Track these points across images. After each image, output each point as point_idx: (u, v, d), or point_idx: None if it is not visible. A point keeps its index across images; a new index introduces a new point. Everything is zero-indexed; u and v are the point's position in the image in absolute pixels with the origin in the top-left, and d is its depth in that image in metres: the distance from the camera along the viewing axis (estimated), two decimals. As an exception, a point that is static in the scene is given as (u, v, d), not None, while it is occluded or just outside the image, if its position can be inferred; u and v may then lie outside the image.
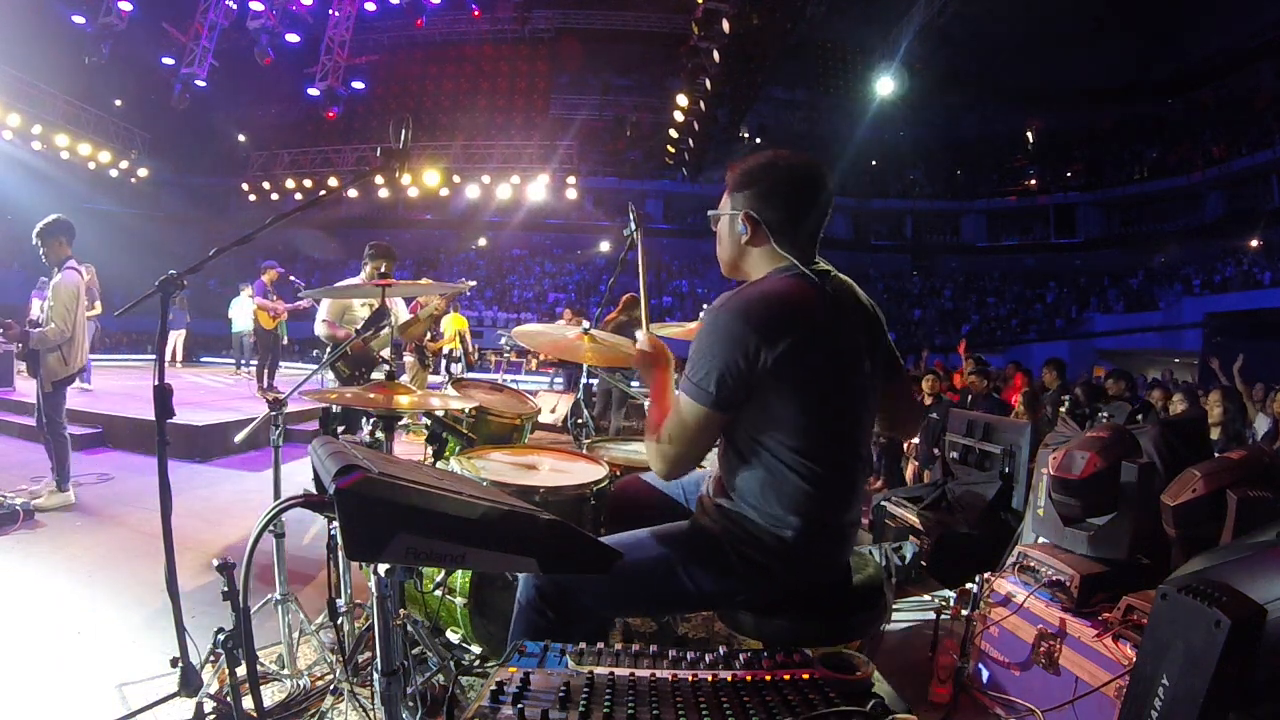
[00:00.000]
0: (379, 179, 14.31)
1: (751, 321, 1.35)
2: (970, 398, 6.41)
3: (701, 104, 16.38)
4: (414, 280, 4.55)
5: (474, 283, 4.42)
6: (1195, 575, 1.46)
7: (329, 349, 3.95)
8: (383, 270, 3.60)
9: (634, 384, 5.83)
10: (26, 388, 4.49)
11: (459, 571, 2.16)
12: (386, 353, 3.81)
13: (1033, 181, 27.21)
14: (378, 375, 3.78)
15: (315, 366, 3.13)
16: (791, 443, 1.39)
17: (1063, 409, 5.19)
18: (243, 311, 10.36)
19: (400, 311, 4.22)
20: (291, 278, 9.12)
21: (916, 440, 6.02)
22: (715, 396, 1.36)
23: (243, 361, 10.99)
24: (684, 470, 1.50)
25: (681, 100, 16.62)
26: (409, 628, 1.63)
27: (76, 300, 4.16)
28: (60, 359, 4.14)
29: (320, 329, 3.86)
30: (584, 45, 22.43)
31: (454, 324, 9.79)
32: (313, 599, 2.77)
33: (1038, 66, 24.89)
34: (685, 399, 1.40)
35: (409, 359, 7.99)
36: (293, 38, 15.80)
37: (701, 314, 2.88)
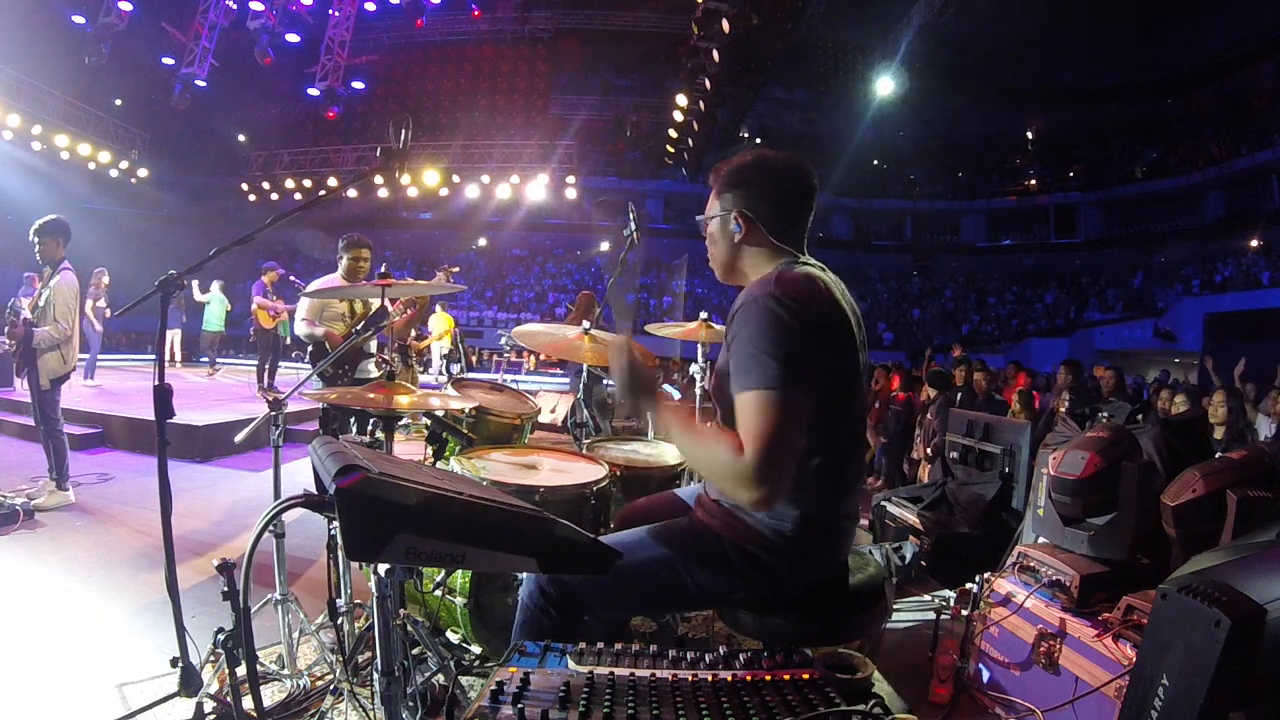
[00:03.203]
0: (379, 179, 14.32)
1: (792, 307, 1.32)
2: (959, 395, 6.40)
3: (701, 104, 16.38)
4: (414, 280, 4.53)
5: (457, 269, 4.40)
6: (1195, 575, 1.46)
7: (309, 348, 3.93)
8: (380, 268, 3.59)
9: (607, 383, 5.80)
10: (25, 387, 4.52)
11: (459, 571, 2.16)
12: (379, 351, 3.80)
13: (1033, 181, 27.23)
14: (373, 373, 3.81)
15: (313, 367, 3.12)
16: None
17: (1062, 409, 5.20)
18: (214, 311, 10.42)
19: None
20: (291, 278, 9.10)
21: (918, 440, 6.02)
22: (791, 378, 1.25)
23: (213, 360, 10.98)
24: (788, 477, 1.27)
25: (681, 100, 16.62)
26: (409, 628, 1.63)
27: (77, 300, 4.30)
28: (60, 357, 4.23)
29: (301, 328, 3.84)
30: (584, 45, 22.44)
31: (444, 322, 9.80)
32: (313, 599, 2.77)
33: (1038, 66, 24.88)
34: (758, 394, 1.26)
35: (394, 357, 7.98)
36: (293, 38, 15.82)
37: (702, 315, 2.89)
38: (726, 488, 1.31)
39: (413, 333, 7.70)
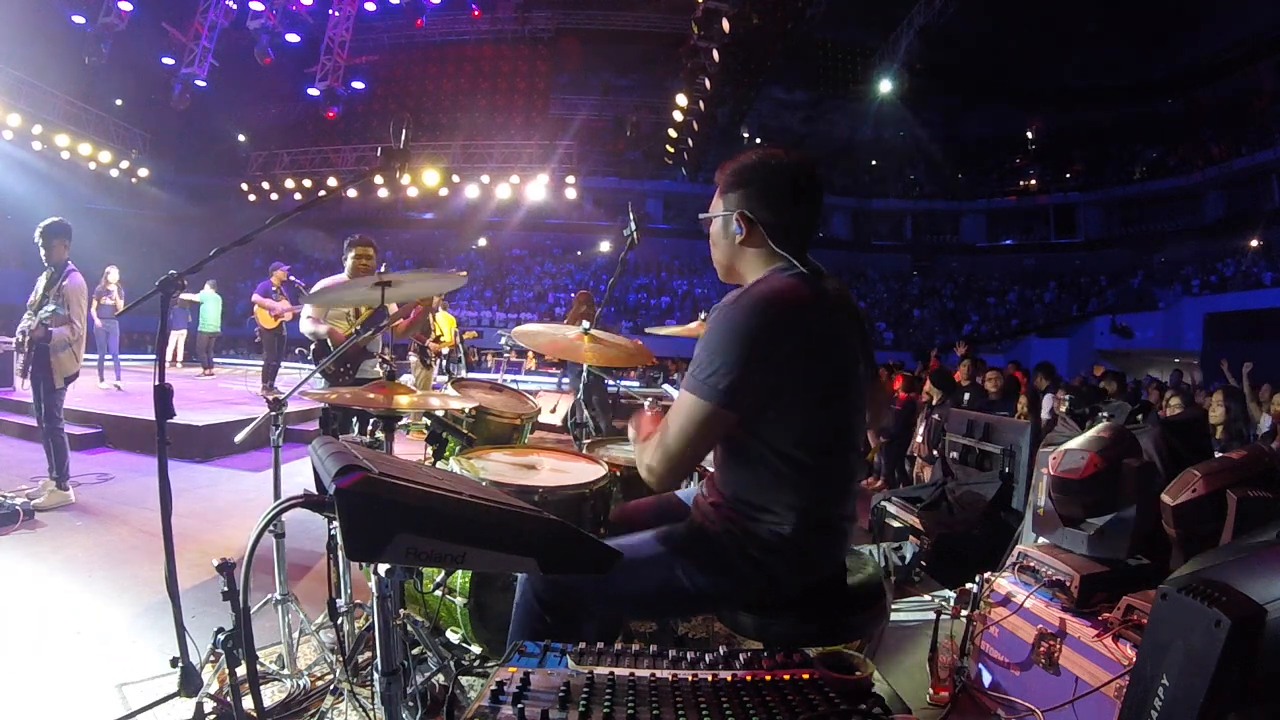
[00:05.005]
0: (379, 179, 14.30)
1: (763, 319, 1.33)
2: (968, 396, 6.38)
3: (701, 104, 16.39)
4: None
5: (464, 274, 4.40)
6: (1195, 575, 1.46)
7: (313, 345, 3.94)
8: (380, 268, 3.59)
9: (609, 383, 5.83)
10: (27, 387, 4.53)
11: (459, 571, 2.16)
12: (382, 350, 3.81)
13: (1033, 181, 27.25)
14: (375, 373, 3.81)
15: (313, 366, 3.12)
16: (791, 440, 1.39)
17: (1063, 409, 5.19)
18: (210, 311, 10.40)
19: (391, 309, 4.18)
20: (292, 278, 9.11)
21: (919, 440, 6.01)
22: (726, 394, 1.31)
23: (208, 361, 10.98)
24: (683, 474, 1.45)
25: (681, 100, 16.63)
26: (409, 628, 1.63)
27: (85, 299, 4.38)
28: (73, 355, 4.28)
29: (306, 325, 3.86)
30: (584, 45, 22.44)
31: (448, 323, 9.80)
32: (313, 599, 2.77)
33: (1038, 66, 24.90)
34: (691, 397, 1.34)
35: (411, 359, 8.00)
36: (293, 38, 15.83)
37: (701, 315, 2.90)
38: (636, 457, 1.49)
39: (433, 334, 7.70)
